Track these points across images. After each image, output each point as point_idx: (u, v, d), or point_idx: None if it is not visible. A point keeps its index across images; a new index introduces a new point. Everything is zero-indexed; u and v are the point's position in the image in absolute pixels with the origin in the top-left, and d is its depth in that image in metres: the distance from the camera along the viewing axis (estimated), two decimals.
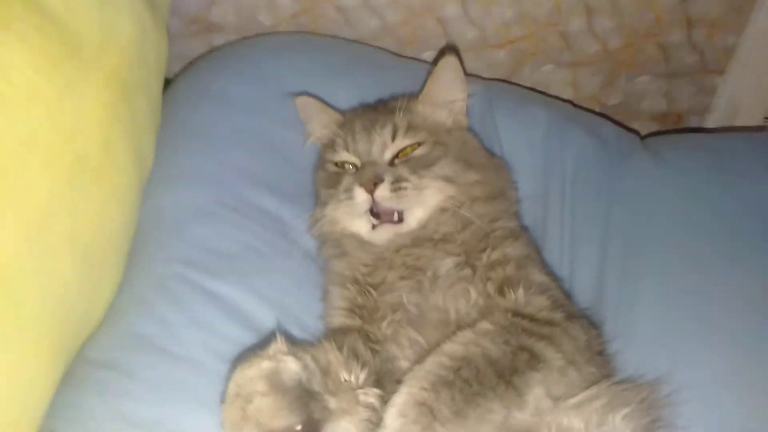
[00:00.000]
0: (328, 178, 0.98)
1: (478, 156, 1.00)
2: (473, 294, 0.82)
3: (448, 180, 0.91)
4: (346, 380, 0.74)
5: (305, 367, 0.68)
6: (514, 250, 0.87)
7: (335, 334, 0.85)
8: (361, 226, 0.92)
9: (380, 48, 1.34)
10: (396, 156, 0.93)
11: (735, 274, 0.96)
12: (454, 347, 0.69)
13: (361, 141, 0.94)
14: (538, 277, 0.86)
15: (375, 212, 0.89)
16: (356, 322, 0.86)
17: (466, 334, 0.71)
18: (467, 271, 0.84)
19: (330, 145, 1.00)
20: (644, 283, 0.98)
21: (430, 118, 0.98)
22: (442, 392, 0.64)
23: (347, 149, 0.96)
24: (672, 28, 1.43)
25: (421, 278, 0.84)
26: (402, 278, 0.86)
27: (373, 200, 0.88)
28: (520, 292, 0.79)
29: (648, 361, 0.85)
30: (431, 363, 0.68)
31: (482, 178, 0.93)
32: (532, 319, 0.74)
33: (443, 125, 0.99)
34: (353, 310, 0.87)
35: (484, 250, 0.85)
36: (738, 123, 1.53)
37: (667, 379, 0.78)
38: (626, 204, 1.08)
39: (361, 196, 0.89)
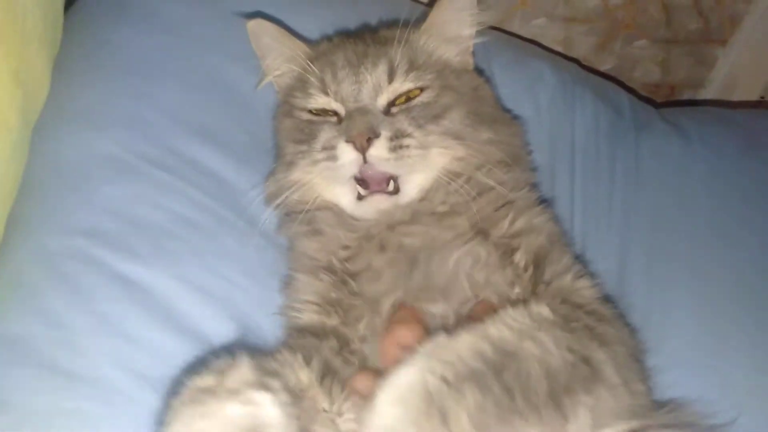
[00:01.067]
0: (297, 130, 0.73)
1: (491, 107, 0.79)
2: (483, 253, 0.64)
3: (459, 137, 0.70)
4: (326, 410, 0.55)
5: (284, 407, 0.46)
6: (542, 222, 0.69)
7: (300, 337, 0.64)
8: (342, 195, 0.70)
9: None
10: (392, 103, 0.71)
11: None
12: (503, 333, 0.48)
13: (346, 81, 0.71)
14: (572, 259, 0.69)
15: (361, 178, 0.68)
16: (332, 320, 0.66)
17: (522, 319, 0.50)
18: (477, 238, 0.65)
19: (300, 87, 0.75)
20: (679, 287, 0.82)
21: (436, 54, 0.75)
22: (469, 394, 0.44)
23: (326, 92, 0.72)
24: None
25: (418, 258, 0.65)
26: (393, 264, 0.66)
27: (365, 161, 0.66)
28: (562, 270, 0.63)
29: (687, 381, 0.69)
30: (465, 343, 0.47)
31: (496, 136, 0.73)
32: (588, 311, 0.57)
33: (450, 66, 0.76)
34: (325, 306, 0.66)
35: (504, 217, 0.67)
36: (734, 100, 1.42)
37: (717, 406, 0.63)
38: (649, 184, 0.91)
39: (348, 155, 0.66)
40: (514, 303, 0.59)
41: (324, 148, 0.68)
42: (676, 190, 0.90)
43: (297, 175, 0.70)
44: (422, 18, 0.77)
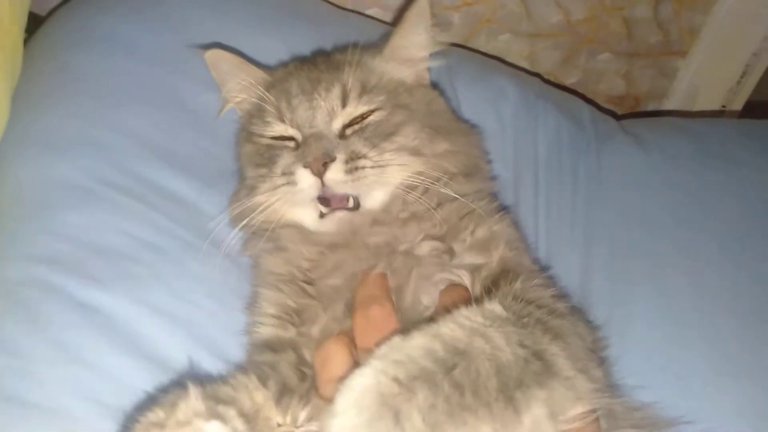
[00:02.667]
0: (257, 155, 0.75)
1: (446, 119, 0.81)
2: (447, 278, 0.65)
3: (415, 152, 0.71)
4: (280, 425, 0.55)
5: None
6: (502, 228, 0.70)
7: (259, 353, 0.65)
8: (305, 215, 0.71)
9: None
10: (347, 125, 0.72)
11: (741, 280, 0.83)
12: (454, 332, 0.49)
13: (300, 108, 0.72)
14: (531, 264, 0.71)
15: (323, 197, 0.69)
16: (288, 333, 0.66)
17: (474, 317, 0.50)
18: (444, 257, 0.66)
19: (258, 114, 0.77)
20: (640, 295, 0.83)
21: (388, 75, 0.77)
22: (420, 394, 0.45)
23: (282, 119, 0.73)
24: (640, 0, 1.31)
25: (390, 254, 0.66)
26: (358, 258, 0.67)
27: (323, 184, 0.67)
28: (518, 279, 0.63)
29: (647, 387, 0.69)
30: (417, 345, 0.48)
31: (453, 146, 0.75)
32: (540, 305, 0.58)
33: (404, 84, 0.78)
34: (283, 317, 0.67)
35: (466, 228, 0.68)
36: (696, 109, 1.46)
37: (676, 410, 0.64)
38: (610, 194, 0.93)
39: (306, 180, 0.67)
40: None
41: (283, 173, 0.69)
42: (636, 199, 0.92)
43: (259, 198, 0.71)
44: (377, 39, 0.79)
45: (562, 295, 0.67)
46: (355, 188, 0.68)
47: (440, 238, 0.68)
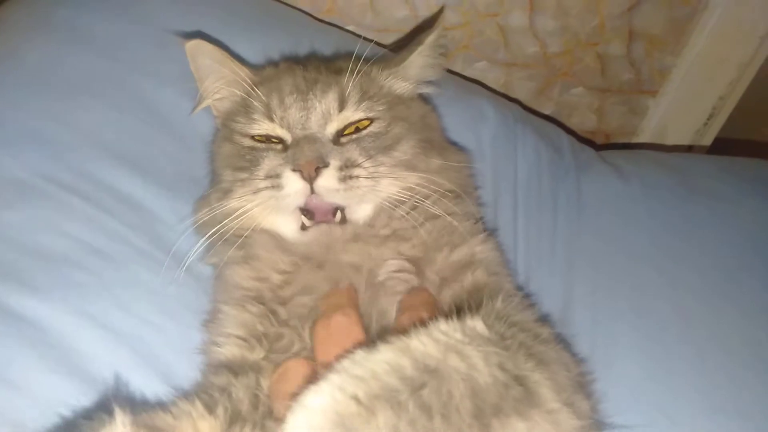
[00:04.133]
0: (237, 156, 0.68)
1: (439, 135, 0.78)
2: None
3: (410, 166, 0.67)
4: None
5: None
6: (483, 251, 0.65)
7: (215, 374, 0.58)
8: (285, 224, 0.65)
9: (296, 8, 1.07)
10: (341, 133, 0.67)
11: (727, 312, 0.81)
12: (427, 347, 0.43)
13: (293, 107, 0.67)
14: (513, 290, 0.66)
15: (306, 209, 0.63)
16: (256, 354, 0.59)
17: (452, 333, 0.45)
18: (411, 277, 0.62)
19: (242, 112, 0.71)
20: (623, 322, 0.80)
21: (387, 87, 0.73)
22: (381, 415, 0.39)
23: (271, 117, 0.67)
24: (614, 38, 1.34)
25: (358, 279, 0.61)
26: (330, 279, 0.61)
27: (312, 191, 0.62)
28: (498, 300, 0.58)
29: (634, 423, 0.65)
30: (382, 359, 0.42)
31: (446, 162, 0.71)
32: (524, 329, 0.52)
33: (400, 97, 0.74)
34: (251, 340, 0.60)
35: (443, 248, 0.63)
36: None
37: None
38: (590, 222, 0.90)
39: (294, 184, 0.62)
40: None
41: (268, 176, 0.64)
42: (617, 228, 0.90)
43: (235, 203, 0.64)
44: (373, 52, 0.75)
45: (547, 322, 0.63)
46: (345, 198, 0.63)
47: (413, 260, 0.63)
